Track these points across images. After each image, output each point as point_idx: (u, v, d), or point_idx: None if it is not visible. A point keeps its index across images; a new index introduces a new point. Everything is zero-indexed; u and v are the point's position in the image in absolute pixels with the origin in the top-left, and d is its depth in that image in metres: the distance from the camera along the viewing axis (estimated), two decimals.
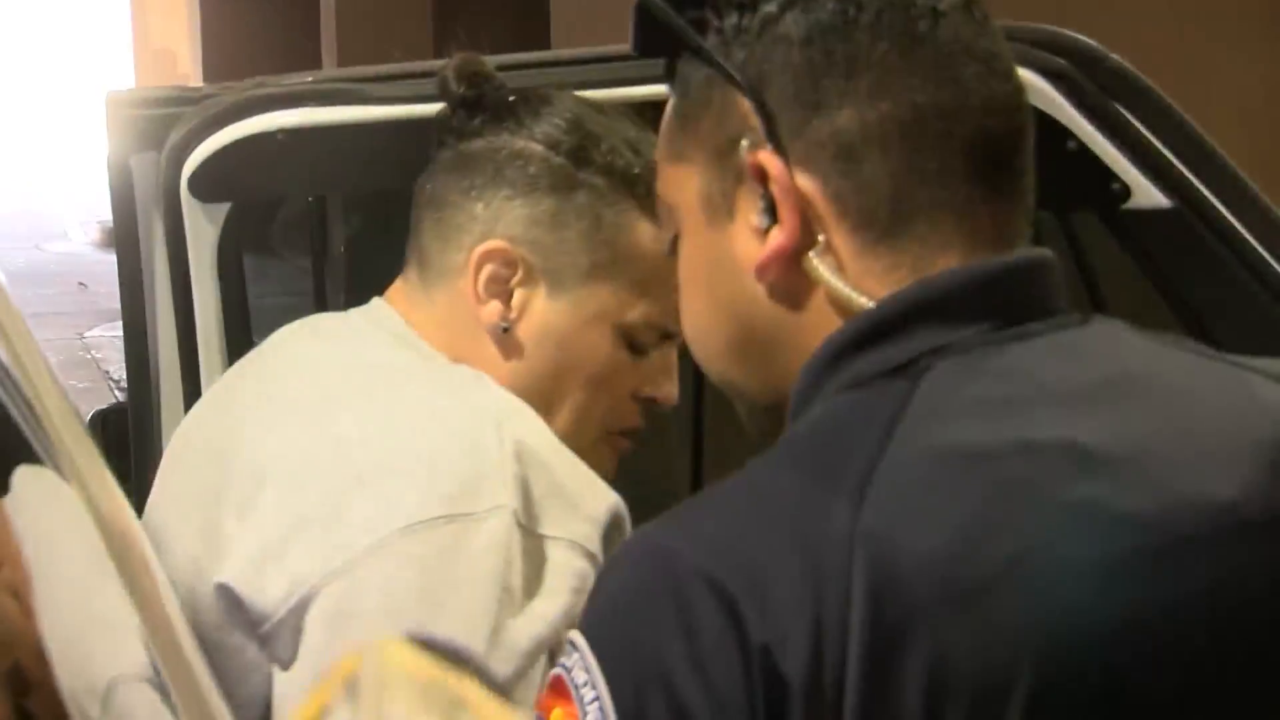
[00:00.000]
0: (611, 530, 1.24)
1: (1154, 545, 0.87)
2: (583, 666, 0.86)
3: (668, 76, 1.03)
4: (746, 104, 0.95)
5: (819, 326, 0.95)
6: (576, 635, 0.88)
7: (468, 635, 1.12)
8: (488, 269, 1.30)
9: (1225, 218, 1.66)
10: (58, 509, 0.93)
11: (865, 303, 0.93)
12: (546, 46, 6.70)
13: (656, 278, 1.30)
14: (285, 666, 1.17)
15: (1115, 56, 1.64)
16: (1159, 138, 1.66)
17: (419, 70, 1.72)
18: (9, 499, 0.88)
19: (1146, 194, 1.66)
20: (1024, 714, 0.82)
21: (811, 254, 0.94)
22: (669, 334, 1.34)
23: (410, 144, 1.68)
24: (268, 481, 1.21)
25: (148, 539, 1.25)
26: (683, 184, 1.01)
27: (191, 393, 1.72)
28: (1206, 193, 1.66)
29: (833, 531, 0.84)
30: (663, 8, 0.98)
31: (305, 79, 1.68)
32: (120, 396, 7.97)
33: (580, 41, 6.04)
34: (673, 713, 0.83)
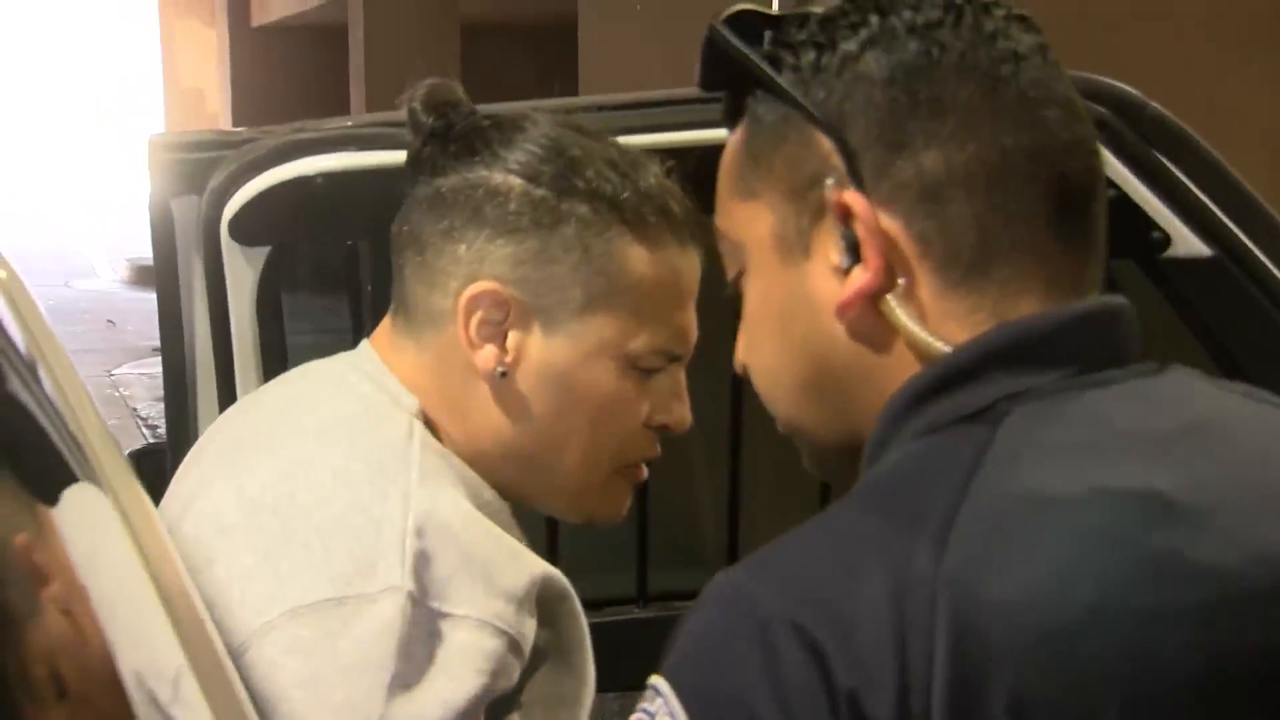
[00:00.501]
0: (547, 599, 1.20)
1: (1233, 596, 0.85)
2: (667, 712, 0.85)
3: (730, 112, 1.02)
4: (826, 143, 0.94)
5: (897, 367, 0.94)
6: (660, 681, 0.87)
7: None
8: (478, 313, 1.24)
9: (1266, 266, 1.65)
10: (105, 523, 0.93)
11: (941, 347, 0.92)
12: (574, 91, 6.73)
13: (655, 301, 1.27)
14: None
15: (1155, 105, 1.63)
16: (1199, 186, 1.65)
17: None
18: (58, 516, 0.88)
19: (1187, 242, 1.65)
20: None
21: (890, 297, 0.93)
22: (676, 356, 1.30)
23: None
24: (197, 546, 1.17)
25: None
26: (752, 221, 1.00)
27: None
28: (1247, 241, 1.65)
29: (916, 576, 0.83)
30: (735, 44, 0.97)
31: (344, 123, 1.68)
32: (149, 435, 8.01)
33: (607, 87, 6.05)
34: None
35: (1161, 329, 1.71)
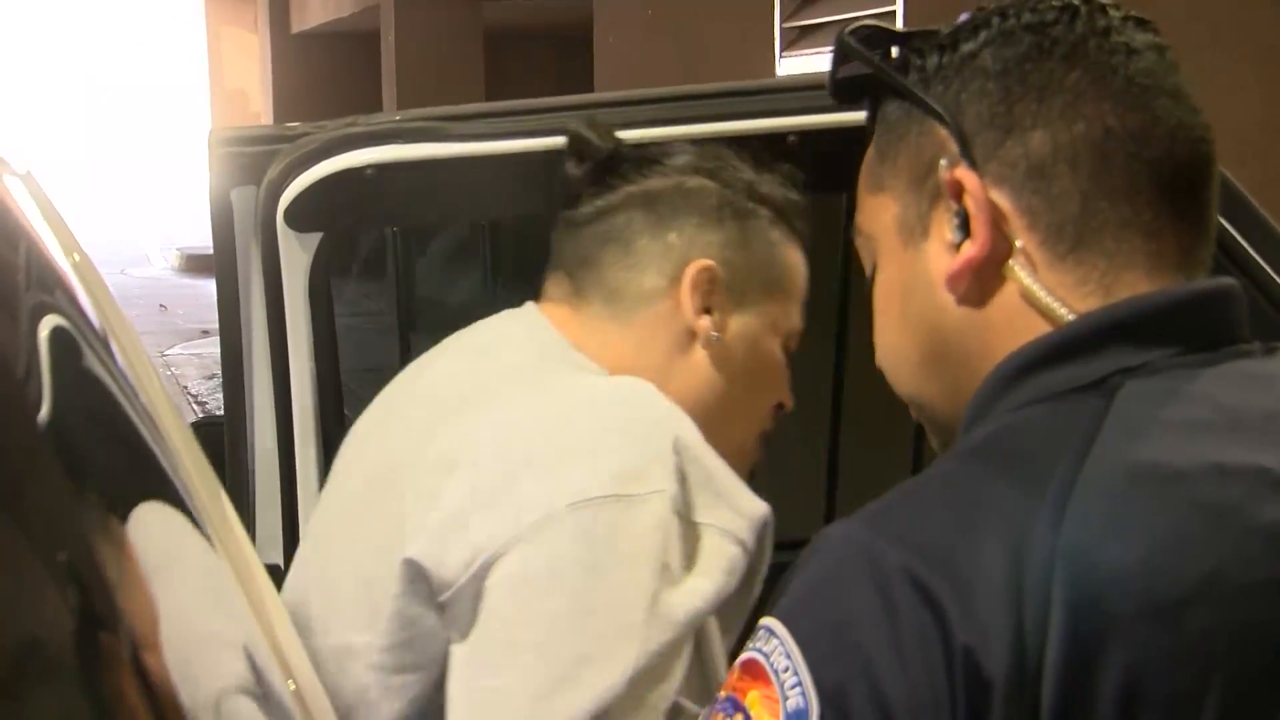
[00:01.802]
0: (761, 532, 1.24)
1: None
2: (783, 653, 0.83)
3: (871, 115, 1.03)
4: (943, 132, 0.94)
5: (1008, 335, 0.92)
6: (774, 622, 0.85)
7: (628, 606, 1.13)
8: (702, 287, 1.35)
9: (1253, 258, 1.63)
10: (173, 536, 0.91)
11: (1061, 310, 0.90)
12: (590, 89, 6.71)
13: (799, 292, 1.42)
14: (463, 635, 1.17)
15: None
16: (1228, 219, 1.62)
17: (493, 110, 1.71)
18: (132, 528, 0.85)
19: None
20: None
21: (1012, 262, 0.92)
22: (796, 343, 1.43)
23: (486, 178, 1.67)
24: (455, 468, 1.21)
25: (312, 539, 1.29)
26: (880, 212, 1.00)
27: (283, 409, 1.71)
28: (1235, 234, 1.63)
29: (1036, 541, 0.81)
30: (864, 53, 0.99)
31: (393, 118, 1.66)
32: (198, 411, 8.01)
33: (621, 85, 6.05)
34: (873, 704, 0.80)
35: None
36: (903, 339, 1.01)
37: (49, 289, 0.90)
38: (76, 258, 0.99)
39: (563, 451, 1.19)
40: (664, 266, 1.36)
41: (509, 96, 1.79)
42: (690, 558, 1.17)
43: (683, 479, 1.18)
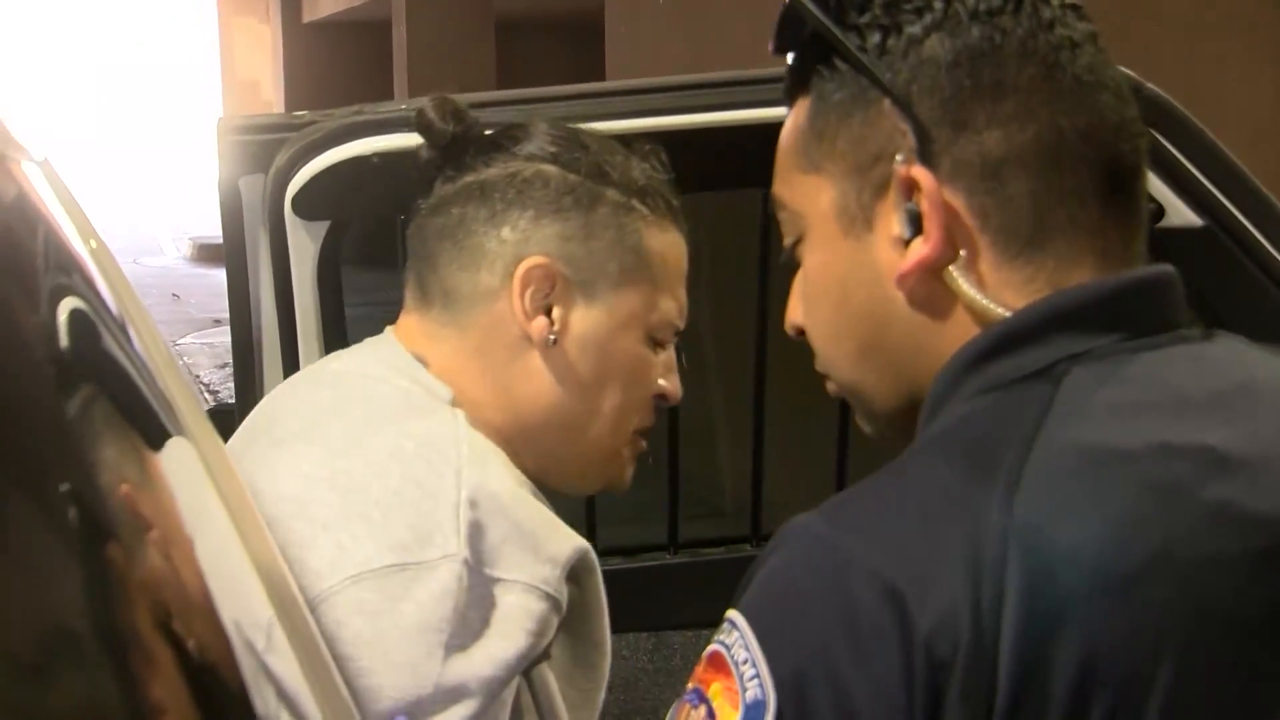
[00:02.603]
0: (579, 571, 1.20)
1: None
2: (743, 644, 0.85)
3: (792, 87, 1.01)
4: (891, 120, 0.94)
5: (954, 333, 0.94)
6: (736, 615, 0.87)
7: (416, 683, 1.08)
8: (531, 286, 1.26)
9: (1254, 235, 1.64)
10: (194, 475, 0.93)
11: (1002, 313, 0.92)
12: (601, 77, 6.71)
13: (668, 278, 1.31)
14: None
15: (1151, 86, 1.62)
16: (1191, 161, 1.64)
17: (498, 99, 1.72)
18: (164, 461, 0.88)
19: (1180, 213, 1.64)
20: (1164, 703, 0.81)
21: (952, 267, 0.93)
22: (677, 331, 1.34)
23: None
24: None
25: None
26: (814, 194, 0.99)
27: None
28: (1236, 212, 1.64)
29: (989, 524, 0.82)
30: (819, 17, 0.96)
31: (399, 106, 1.68)
32: (211, 400, 8.04)
33: (632, 73, 6.05)
34: (831, 691, 0.82)
35: None
36: (841, 328, 1.00)
37: (67, 273, 0.91)
38: (93, 244, 1.01)
39: (348, 517, 1.13)
40: (496, 265, 1.27)
41: (520, 86, 1.80)
42: (488, 619, 1.11)
43: (479, 535, 1.12)
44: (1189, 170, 1.63)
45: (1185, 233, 1.64)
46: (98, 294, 0.92)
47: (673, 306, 1.32)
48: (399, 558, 1.11)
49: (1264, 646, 0.83)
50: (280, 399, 1.35)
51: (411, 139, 1.65)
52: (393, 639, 1.09)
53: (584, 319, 1.28)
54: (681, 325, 1.35)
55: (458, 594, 1.10)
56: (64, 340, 0.83)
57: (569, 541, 1.18)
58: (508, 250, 1.27)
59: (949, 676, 0.80)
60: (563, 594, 1.17)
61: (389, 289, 1.84)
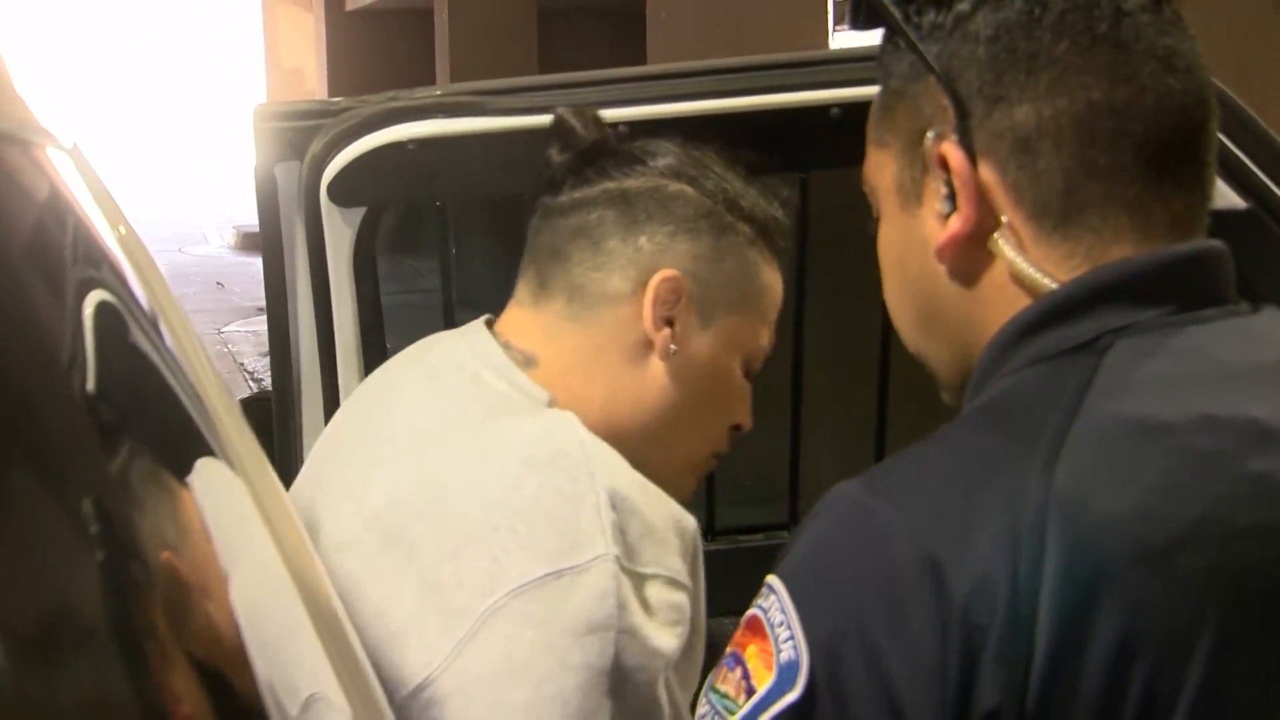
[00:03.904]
0: (690, 554, 1.22)
1: None
2: (779, 608, 0.86)
3: (878, 65, 1.03)
4: (939, 96, 0.95)
5: (996, 306, 0.95)
6: (774, 579, 0.88)
7: (592, 683, 1.10)
8: (662, 297, 1.31)
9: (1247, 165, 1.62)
10: (237, 500, 0.92)
11: (1047, 282, 0.92)
12: (643, 62, 6.70)
13: (771, 312, 1.38)
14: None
15: None
16: (1235, 142, 1.61)
17: (534, 84, 1.72)
18: (194, 486, 0.87)
19: (1223, 196, 1.62)
20: (1203, 671, 0.81)
21: (997, 235, 0.93)
22: (760, 365, 1.39)
23: (527, 152, 1.68)
24: (397, 544, 1.18)
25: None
26: (882, 168, 1.02)
27: (329, 382, 1.74)
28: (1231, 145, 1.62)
29: (1029, 492, 0.83)
30: (882, 2, 0.98)
31: (434, 92, 1.68)
32: (254, 387, 8.09)
33: (674, 57, 6.04)
34: (866, 658, 0.82)
35: None
36: (902, 299, 1.04)
37: (96, 265, 0.90)
38: (122, 230, 1.00)
39: (497, 529, 1.14)
40: (630, 271, 1.31)
41: (562, 71, 1.80)
42: (647, 611, 1.14)
43: (621, 534, 1.14)
44: (1233, 152, 1.61)
45: (1229, 215, 1.62)
46: (127, 286, 0.91)
47: (768, 337, 1.39)
48: (554, 565, 1.12)
49: None
50: (381, 393, 1.35)
51: (447, 125, 1.66)
52: (566, 643, 1.11)
53: (699, 337, 1.33)
54: (763, 361, 1.40)
55: (619, 590, 1.12)
56: (90, 334, 0.82)
57: (684, 530, 1.21)
58: (643, 259, 1.31)
59: (984, 642, 0.80)
60: (688, 581, 1.20)
61: (430, 277, 1.85)
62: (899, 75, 0.99)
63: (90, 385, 0.78)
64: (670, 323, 1.31)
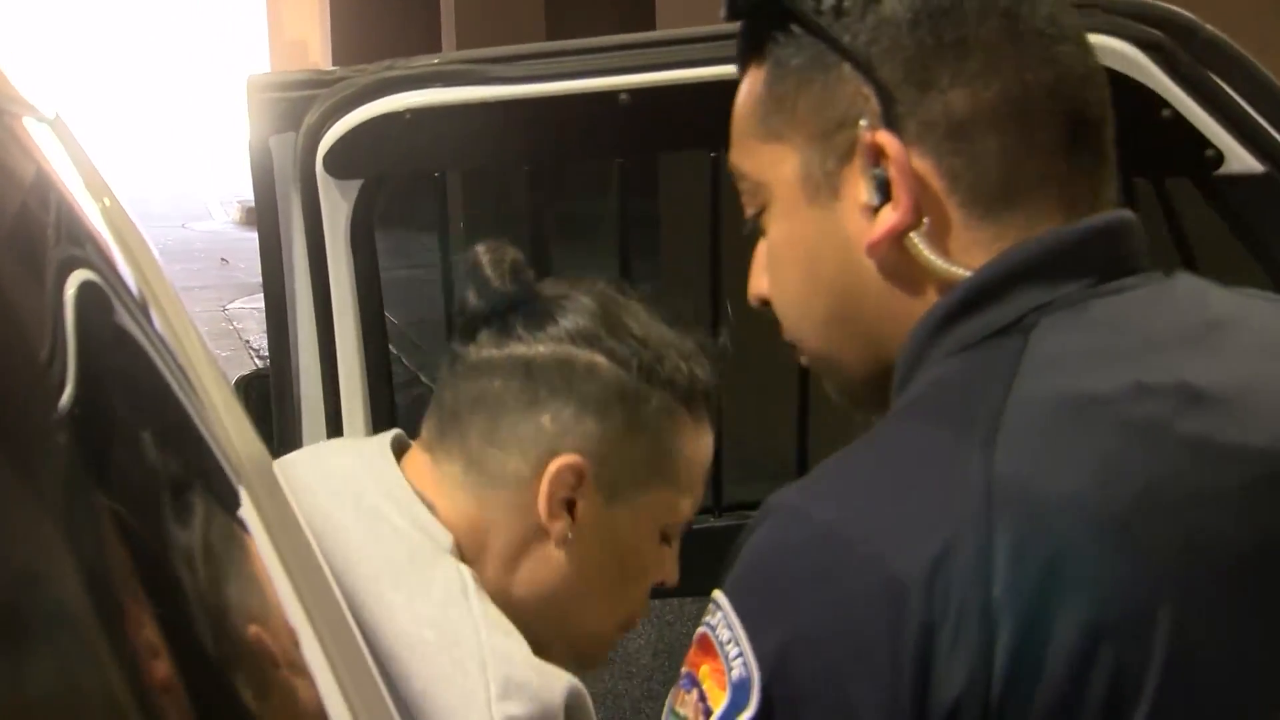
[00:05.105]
0: (571, 711, 1.20)
1: (1265, 474, 0.85)
2: (725, 624, 0.85)
3: (745, 53, 0.99)
4: (853, 85, 0.92)
5: (926, 298, 0.93)
6: (719, 595, 0.87)
7: None
8: (563, 482, 1.24)
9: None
10: (208, 505, 0.90)
11: (963, 274, 0.91)
12: (652, 28, 6.67)
13: (693, 478, 1.30)
14: None
15: (1209, 27, 1.58)
16: (1252, 105, 1.60)
17: (534, 51, 1.71)
18: (183, 475, 0.85)
19: (1240, 159, 1.61)
20: (1169, 640, 0.80)
21: (914, 234, 0.92)
22: (688, 526, 1.33)
23: (528, 121, 1.67)
24: None
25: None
26: (777, 162, 0.98)
27: (327, 357, 1.73)
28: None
29: (969, 478, 0.82)
30: None
31: (431, 61, 1.67)
32: (260, 363, 8.10)
33: (685, 24, 5.99)
34: (816, 666, 0.82)
35: (1220, 245, 1.67)
36: (809, 297, 1.00)
37: (79, 243, 0.89)
38: (107, 202, 0.99)
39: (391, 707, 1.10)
40: (530, 453, 1.24)
41: (569, 38, 1.78)
42: None
43: None
44: (1249, 114, 1.60)
45: (1245, 179, 1.61)
46: (112, 265, 0.90)
47: (690, 506, 1.30)
48: None
49: (1257, 577, 0.84)
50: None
51: (445, 94, 1.65)
52: None
53: (602, 516, 1.26)
54: (691, 520, 1.33)
55: None
56: (71, 317, 0.80)
57: (579, 705, 1.18)
58: (544, 440, 1.24)
59: (938, 635, 0.79)
60: None
61: (435, 250, 1.83)
62: (799, 63, 0.95)
63: (71, 370, 0.76)
64: (571, 506, 1.25)
